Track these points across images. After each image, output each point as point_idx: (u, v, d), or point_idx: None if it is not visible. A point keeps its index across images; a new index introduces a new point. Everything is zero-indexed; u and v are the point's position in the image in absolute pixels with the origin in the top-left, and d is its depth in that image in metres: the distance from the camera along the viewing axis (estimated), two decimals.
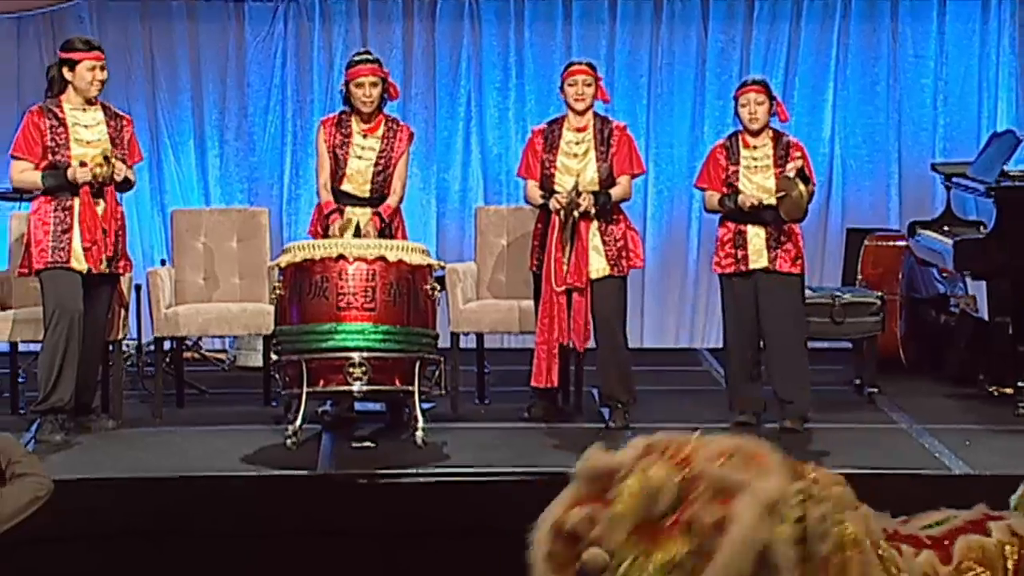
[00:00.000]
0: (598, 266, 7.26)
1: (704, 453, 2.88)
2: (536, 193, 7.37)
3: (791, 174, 7.16)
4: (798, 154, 7.27)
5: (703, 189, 7.48)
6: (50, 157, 6.99)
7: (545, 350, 7.23)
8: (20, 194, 7.89)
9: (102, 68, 7.09)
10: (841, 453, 6.83)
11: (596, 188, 7.29)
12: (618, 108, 9.31)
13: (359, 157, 7.33)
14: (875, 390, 8.02)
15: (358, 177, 7.32)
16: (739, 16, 9.83)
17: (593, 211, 7.21)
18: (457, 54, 9.81)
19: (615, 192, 7.31)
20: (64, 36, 7.73)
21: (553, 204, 7.21)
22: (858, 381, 8.19)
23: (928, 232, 8.55)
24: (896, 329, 8.63)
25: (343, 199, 7.33)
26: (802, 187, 7.12)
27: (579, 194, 7.18)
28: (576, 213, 7.17)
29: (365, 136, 7.35)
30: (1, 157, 8.96)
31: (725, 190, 7.31)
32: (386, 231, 7.31)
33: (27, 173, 7.03)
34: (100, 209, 6.99)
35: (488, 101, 9.82)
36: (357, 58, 7.42)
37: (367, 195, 7.33)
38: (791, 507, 2.88)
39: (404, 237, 7.41)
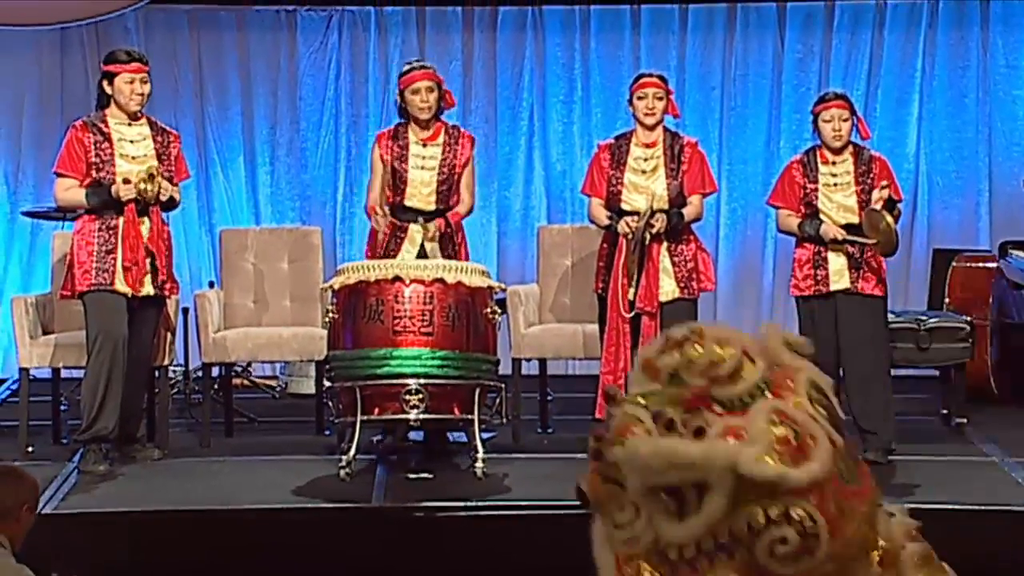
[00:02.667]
0: (667, 288, 7.25)
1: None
2: (602, 213, 7.37)
3: (878, 206, 7.09)
4: (884, 181, 7.20)
5: (777, 207, 7.46)
6: (94, 174, 7.06)
7: (611, 381, 7.23)
8: (64, 213, 7.98)
9: (143, 81, 7.13)
10: (927, 487, 6.78)
11: (665, 206, 7.29)
12: (689, 122, 9.31)
13: (420, 167, 7.35)
14: (964, 421, 7.95)
15: (422, 189, 7.33)
16: (818, 24, 9.80)
17: (663, 231, 7.21)
18: (519, 65, 9.84)
19: (687, 212, 7.31)
20: (109, 47, 7.83)
21: (622, 228, 7.20)
22: (945, 411, 8.13)
23: (1021, 253, 8.48)
24: (986, 356, 8.56)
25: (407, 216, 7.34)
26: (889, 218, 7.05)
27: (653, 214, 7.18)
28: (648, 234, 7.17)
29: (424, 145, 7.38)
30: (44, 174, 9.09)
31: (802, 209, 7.29)
32: (449, 242, 7.32)
33: (71, 191, 7.10)
34: (145, 229, 7.05)
35: (552, 115, 9.84)
36: (409, 66, 7.47)
37: (433, 207, 7.35)
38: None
39: (466, 256, 7.43)
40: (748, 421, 2.73)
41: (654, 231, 7.17)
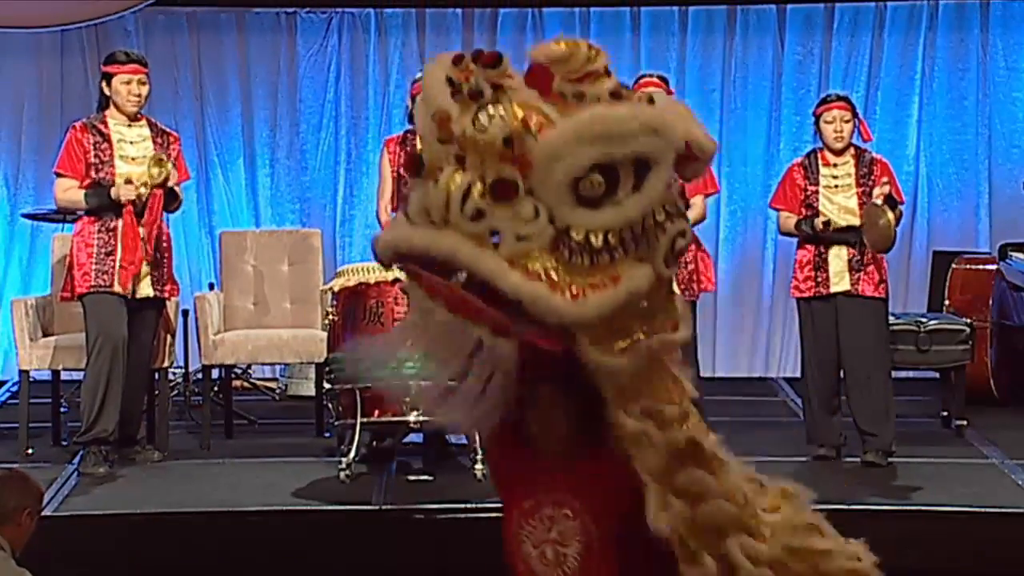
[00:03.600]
0: None
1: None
2: None
3: (879, 201, 7.10)
4: (885, 178, 7.21)
5: (778, 210, 7.47)
6: (93, 175, 7.06)
7: None
8: (63, 215, 7.98)
9: (141, 83, 7.12)
10: (927, 489, 6.78)
11: None
12: None
13: None
14: (963, 423, 7.96)
15: None
16: (818, 26, 9.81)
17: None
18: (520, 67, 9.82)
19: (691, 214, 7.32)
20: (109, 49, 7.82)
21: None
22: (945, 413, 8.14)
23: (1020, 255, 8.48)
24: (986, 358, 8.56)
25: None
26: (890, 215, 7.05)
27: None
28: None
29: None
30: (44, 176, 9.09)
31: (803, 211, 7.29)
32: None
33: (71, 192, 7.10)
34: (144, 232, 7.05)
35: None
36: (421, 73, 7.47)
37: None
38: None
39: None
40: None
41: None
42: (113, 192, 6.99)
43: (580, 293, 2.73)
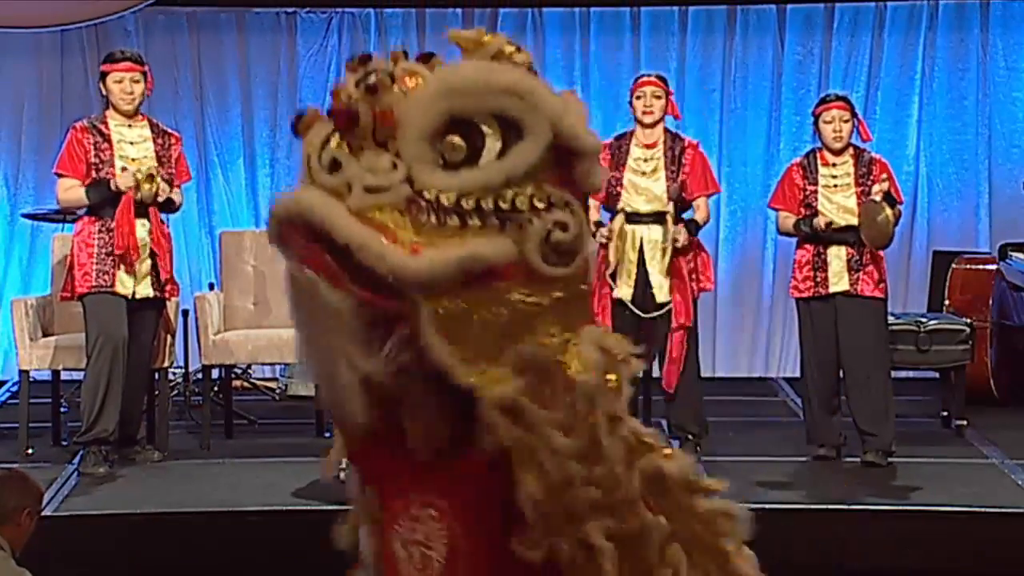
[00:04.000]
0: (668, 289, 7.26)
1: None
2: (593, 215, 7.39)
3: (877, 198, 7.10)
4: (884, 175, 7.21)
5: (777, 210, 7.47)
6: (94, 174, 7.06)
7: None
8: (63, 215, 7.99)
9: (134, 81, 7.10)
10: (927, 489, 6.79)
11: (665, 208, 7.30)
12: (689, 124, 9.31)
13: None
14: (963, 423, 7.96)
15: None
16: (817, 26, 9.81)
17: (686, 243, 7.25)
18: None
19: (699, 218, 7.35)
20: (109, 49, 7.82)
21: (598, 238, 7.24)
22: (945, 413, 8.14)
23: (1021, 255, 8.48)
24: (986, 358, 8.56)
25: None
26: (888, 211, 7.06)
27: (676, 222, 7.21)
28: (674, 247, 7.18)
29: None
30: (44, 176, 9.09)
31: (802, 211, 7.29)
32: None
33: (72, 191, 7.10)
34: (145, 231, 7.04)
35: None
36: None
37: None
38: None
39: None
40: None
41: (678, 245, 7.18)
42: (112, 183, 6.97)
43: (417, 250, 2.60)
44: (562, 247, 2.70)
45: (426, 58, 2.78)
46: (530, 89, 2.68)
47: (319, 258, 2.68)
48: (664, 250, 7.19)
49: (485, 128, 2.65)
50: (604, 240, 7.22)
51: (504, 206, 2.65)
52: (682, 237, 7.18)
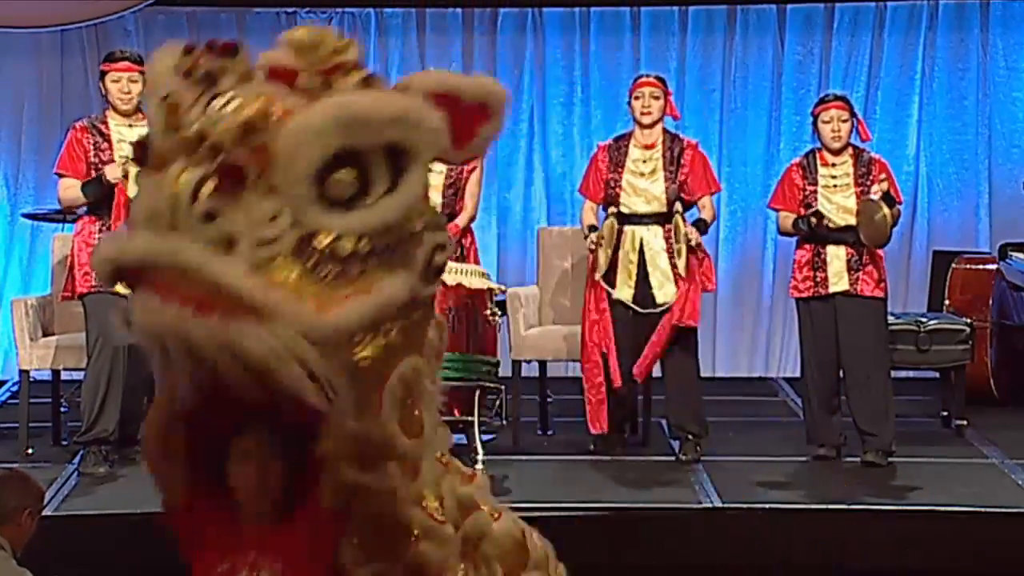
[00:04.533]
0: (668, 290, 7.26)
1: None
2: (587, 218, 7.43)
3: (875, 197, 7.11)
4: (883, 175, 7.22)
5: (777, 210, 7.48)
6: (94, 174, 7.07)
7: (594, 395, 7.27)
8: (64, 215, 7.99)
9: (132, 80, 7.08)
10: (927, 489, 6.79)
11: (663, 209, 7.30)
12: (689, 124, 9.32)
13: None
14: (963, 423, 7.96)
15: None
16: (817, 26, 9.81)
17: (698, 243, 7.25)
18: (519, 67, 9.85)
19: (706, 217, 7.36)
20: (109, 49, 7.82)
21: (588, 244, 7.26)
22: (945, 413, 8.14)
23: (1021, 255, 8.48)
24: (986, 358, 8.56)
25: None
26: (887, 210, 7.06)
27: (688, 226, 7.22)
28: (687, 247, 7.17)
29: None
30: (44, 176, 9.09)
31: (802, 211, 7.30)
32: (457, 246, 7.32)
33: (71, 189, 7.10)
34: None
35: (551, 117, 9.85)
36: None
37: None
38: None
39: (476, 260, 7.45)
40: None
41: (692, 243, 7.18)
42: (103, 177, 6.96)
43: (327, 304, 2.38)
44: (439, 268, 2.60)
45: (232, 50, 2.57)
46: (420, 116, 2.50)
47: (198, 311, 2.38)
48: (679, 251, 7.19)
49: (372, 158, 2.46)
50: (593, 246, 7.24)
51: (396, 241, 2.51)
52: (694, 237, 7.18)
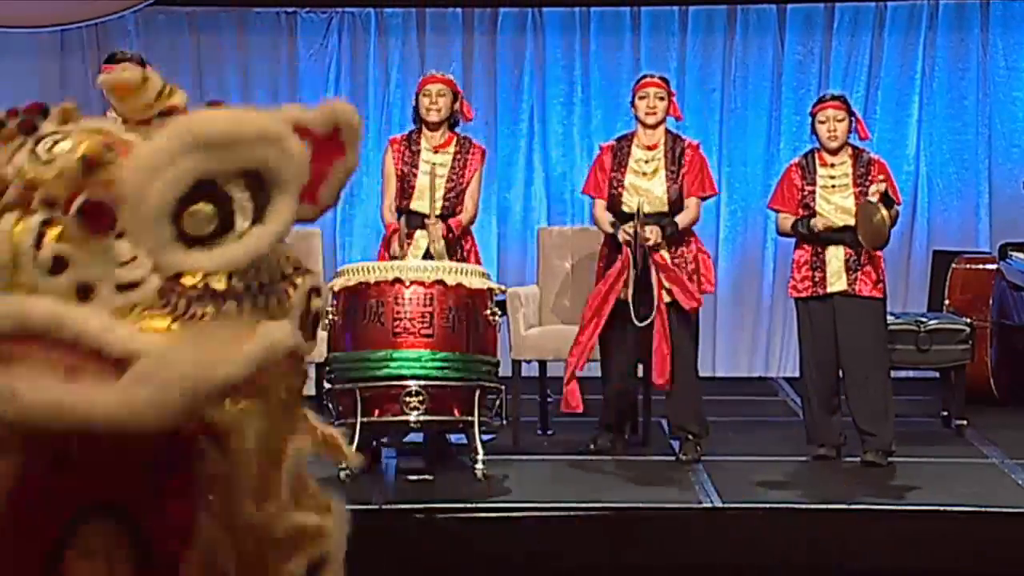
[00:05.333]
0: (666, 292, 7.25)
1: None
2: (604, 217, 7.36)
3: (874, 198, 7.10)
4: (881, 176, 7.21)
5: (776, 211, 7.48)
6: None
7: (568, 373, 7.26)
8: None
9: None
10: (927, 489, 6.78)
11: (665, 208, 7.29)
12: (688, 124, 9.31)
13: (427, 173, 7.36)
14: (963, 422, 7.96)
15: (427, 194, 7.33)
16: (817, 26, 9.81)
17: (659, 242, 7.21)
18: (519, 67, 9.85)
19: (682, 219, 7.28)
20: (109, 49, 7.84)
21: (621, 236, 7.19)
22: (945, 413, 8.14)
23: (1021, 255, 8.48)
24: (986, 358, 8.57)
25: (412, 220, 7.35)
26: (884, 212, 7.05)
27: (643, 224, 7.14)
28: (646, 248, 7.14)
29: (435, 152, 7.41)
30: None
31: (801, 211, 7.29)
32: (454, 247, 7.32)
33: None
34: None
35: (551, 117, 9.85)
36: (428, 73, 7.61)
37: (438, 213, 7.35)
38: None
39: (477, 260, 7.44)
40: None
41: (649, 244, 7.14)
42: None
43: (211, 352, 2.12)
44: (317, 316, 2.31)
45: (41, 110, 2.29)
46: (280, 134, 2.22)
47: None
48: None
49: (232, 187, 2.18)
50: (627, 238, 7.16)
51: (266, 278, 2.24)
52: (653, 236, 7.15)
